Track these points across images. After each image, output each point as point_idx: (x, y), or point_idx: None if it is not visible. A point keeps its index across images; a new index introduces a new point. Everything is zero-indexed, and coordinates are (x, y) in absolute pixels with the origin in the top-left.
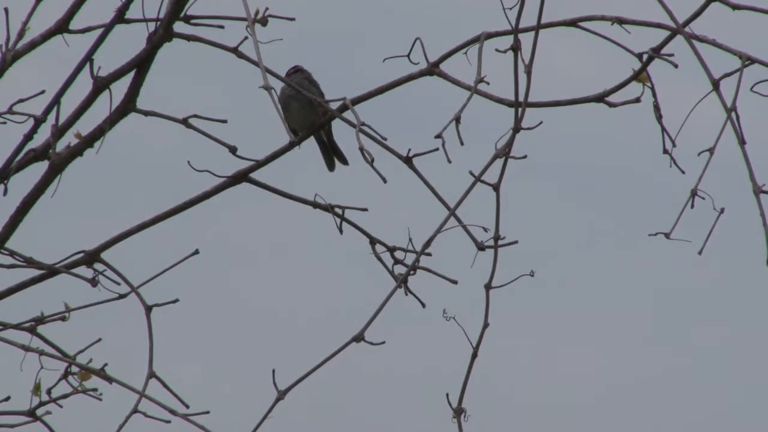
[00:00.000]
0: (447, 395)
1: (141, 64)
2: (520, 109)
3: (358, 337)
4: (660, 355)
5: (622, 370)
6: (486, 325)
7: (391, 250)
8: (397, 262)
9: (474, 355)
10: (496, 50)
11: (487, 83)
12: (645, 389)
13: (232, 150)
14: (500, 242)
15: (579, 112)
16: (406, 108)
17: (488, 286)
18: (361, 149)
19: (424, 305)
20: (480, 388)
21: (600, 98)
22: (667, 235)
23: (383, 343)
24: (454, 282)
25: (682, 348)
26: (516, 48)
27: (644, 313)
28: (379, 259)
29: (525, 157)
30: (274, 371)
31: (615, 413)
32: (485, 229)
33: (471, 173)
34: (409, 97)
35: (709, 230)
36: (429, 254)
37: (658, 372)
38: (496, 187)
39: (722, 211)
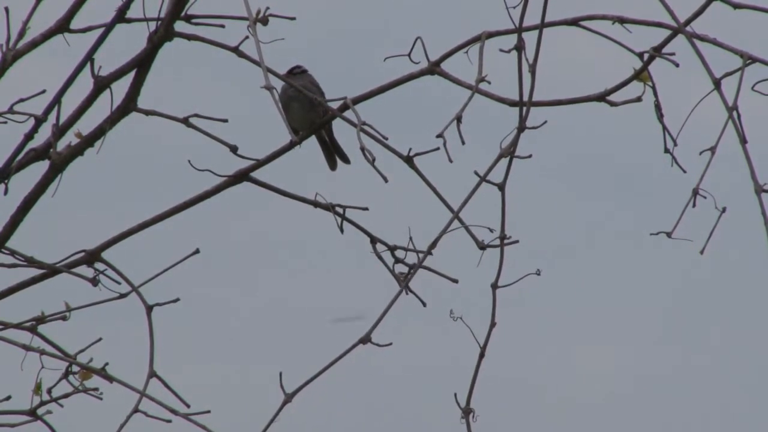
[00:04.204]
0: (455, 395)
1: (142, 64)
2: (524, 109)
3: (365, 339)
4: (668, 355)
5: (631, 369)
6: (493, 324)
7: (392, 249)
8: (397, 261)
9: (481, 355)
10: (500, 50)
11: (489, 82)
12: (654, 388)
13: (233, 149)
14: (495, 240)
15: (580, 111)
16: (406, 107)
17: (495, 285)
18: (363, 149)
19: (424, 304)
20: (488, 388)
21: (601, 97)
22: (668, 235)
23: (390, 344)
24: (455, 281)
25: (688, 347)
26: (520, 48)
27: (651, 312)
28: (380, 257)
29: (530, 156)
30: (281, 374)
31: (624, 413)
32: (491, 230)
33: (476, 173)
34: (410, 97)
35: (711, 229)
36: (430, 253)
37: (667, 371)
38: (501, 187)
39: (724, 210)
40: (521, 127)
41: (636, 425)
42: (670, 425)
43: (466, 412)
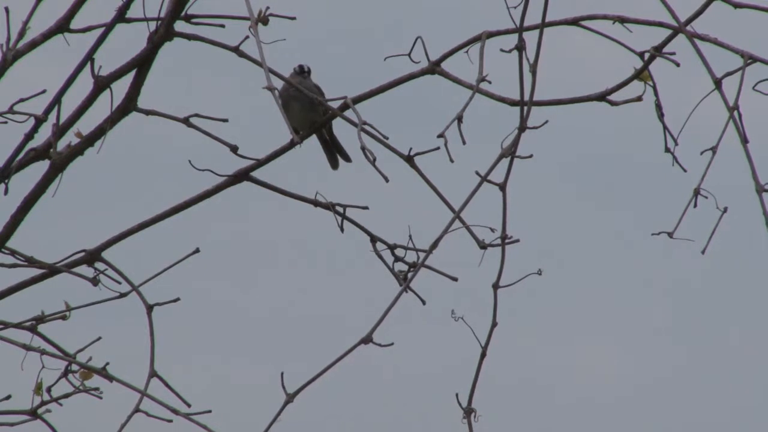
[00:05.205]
0: (457, 395)
1: (142, 64)
2: (525, 109)
3: (367, 339)
4: (669, 355)
5: (633, 369)
6: (494, 324)
7: (392, 247)
8: (397, 259)
9: (483, 355)
10: (501, 50)
11: (489, 82)
12: (656, 389)
13: (233, 149)
14: (497, 240)
15: (581, 110)
16: (407, 107)
17: (496, 286)
18: (363, 149)
19: (424, 302)
20: (490, 388)
21: (602, 97)
22: (670, 235)
23: (392, 344)
24: (454, 279)
25: (689, 347)
26: (521, 47)
27: (652, 312)
28: (380, 256)
29: (531, 156)
30: (282, 374)
31: (627, 413)
32: (492, 230)
33: (477, 173)
34: (411, 96)
35: (712, 229)
36: (431, 253)
37: (669, 371)
38: (502, 187)
39: (725, 210)
40: (522, 127)
41: (639, 426)
42: (673, 426)
43: (468, 412)
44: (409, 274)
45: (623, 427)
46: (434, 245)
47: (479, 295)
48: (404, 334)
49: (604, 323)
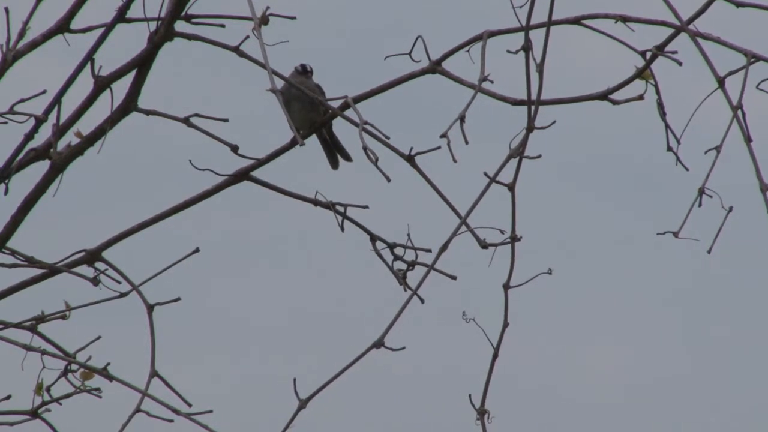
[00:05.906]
0: (470, 396)
1: (142, 64)
2: (533, 109)
3: (378, 344)
4: (675, 354)
5: (643, 370)
6: (506, 324)
7: (391, 246)
8: (396, 258)
9: (495, 356)
10: (508, 51)
11: (491, 81)
12: (667, 389)
13: (234, 148)
14: (504, 240)
15: (583, 109)
16: (408, 106)
17: (506, 286)
18: (365, 149)
19: (423, 301)
20: (502, 389)
21: (604, 96)
22: (675, 234)
23: (403, 348)
24: (453, 278)
25: (695, 346)
26: (528, 47)
27: (658, 312)
28: (379, 255)
29: (539, 156)
30: (295, 380)
31: (634, 413)
32: (501, 231)
33: (486, 174)
34: (411, 96)
35: (717, 228)
36: (429, 250)
37: (671, 372)
38: (511, 187)
39: (730, 209)
40: (530, 127)
41: (650, 426)
42: (681, 426)
43: (481, 413)
44: (409, 273)
45: (636, 427)
46: (444, 248)
47: (482, 296)
48: (415, 337)
49: (610, 323)
